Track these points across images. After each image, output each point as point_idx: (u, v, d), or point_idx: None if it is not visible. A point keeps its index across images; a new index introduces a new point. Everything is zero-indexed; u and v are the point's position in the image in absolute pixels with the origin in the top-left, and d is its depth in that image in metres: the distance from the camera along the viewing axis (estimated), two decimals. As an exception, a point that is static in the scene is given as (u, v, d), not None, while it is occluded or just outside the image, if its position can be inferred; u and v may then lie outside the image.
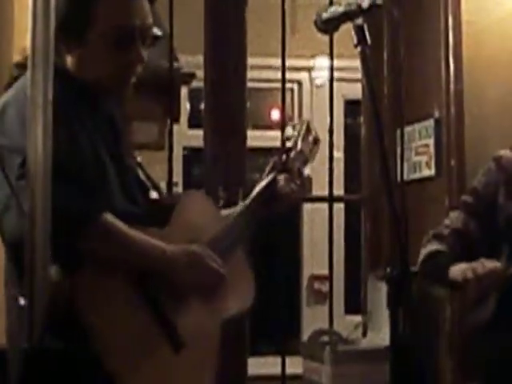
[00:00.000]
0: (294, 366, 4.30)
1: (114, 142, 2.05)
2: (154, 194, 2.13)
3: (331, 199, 4.11)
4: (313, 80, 6.15)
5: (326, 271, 4.47)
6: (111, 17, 1.98)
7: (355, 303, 5.31)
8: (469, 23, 4.01)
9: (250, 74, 3.93)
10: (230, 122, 3.82)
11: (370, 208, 4.80)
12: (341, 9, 1.99)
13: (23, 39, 1.46)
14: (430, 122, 4.14)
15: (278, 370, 3.90)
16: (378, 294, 4.37)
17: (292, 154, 2.36)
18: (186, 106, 5.88)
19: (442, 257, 2.76)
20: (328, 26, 2.03)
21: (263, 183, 2.30)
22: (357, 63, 1.99)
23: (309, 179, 2.43)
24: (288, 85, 4.64)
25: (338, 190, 5.67)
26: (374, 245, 4.74)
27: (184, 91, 5.50)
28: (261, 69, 5.38)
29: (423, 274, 2.81)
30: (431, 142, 4.13)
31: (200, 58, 3.91)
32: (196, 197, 2.24)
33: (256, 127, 5.78)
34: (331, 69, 4.01)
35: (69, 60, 2.01)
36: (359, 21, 1.95)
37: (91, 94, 2.02)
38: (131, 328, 1.88)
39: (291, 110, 6.09)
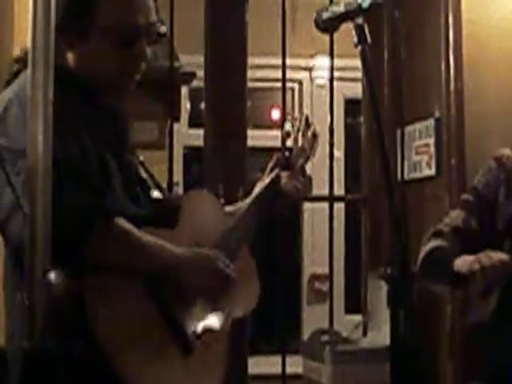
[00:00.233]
0: (294, 365, 4.30)
1: (116, 140, 2.02)
2: (155, 193, 2.12)
3: (331, 199, 4.11)
4: (313, 79, 6.15)
5: (326, 270, 4.48)
6: (116, 13, 1.95)
7: (355, 303, 5.31)
8: (469, 22, 4.01)
9: (250, 74, 3.93)
10: (231, 121, 3.82)
11: (371, 207, 4.80)
12: (341, 8, 1.98)
13: (24, 38, 1.46)
14: (431, 122, 4.13)
15: (278, 370, 3.90)
16: (379, 293, 4.37)
17: (294, 151, 2.34)
18: (186, 106, 5.87)
19: (443, 252, 2.75)
20: (328, 26, 2.03)
21: (267, 181, 2.29)
22: (357, 63, 1.98)
23: (309, 178, 2.42)
24: (288, 84, 4.64)
25: (339, 190, 5.66)
26: (374, 244, 4.74)
27: (184, 90, 5.49)
28: (261, 68, 5.38)
29: (424, 271, 2.79)
30: (431, 141, 4.13)
31: (200, 58, 3.91)
32: (203, 196, 2.22)
33: (256, 127, 5.78)
34: (331, 68, 4.01)
35: (69, 57, 1.97)
36: (359, 20, 1.95)
37: (92, 91, 1.99)
38: (141, 330, 1.85)
39: (292, 109, 6.09)
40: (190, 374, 1.94)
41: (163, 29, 2.11)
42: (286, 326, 4.17)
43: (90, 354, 1.77)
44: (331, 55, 3.95)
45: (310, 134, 2.39)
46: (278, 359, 3.92)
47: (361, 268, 4.99)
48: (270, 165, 2.35)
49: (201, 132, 3.97)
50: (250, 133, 3.98)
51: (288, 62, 3.91)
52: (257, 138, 5.19)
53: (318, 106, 5.97)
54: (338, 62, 4.01)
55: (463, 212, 2.81)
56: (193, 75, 4.41)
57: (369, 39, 1.93)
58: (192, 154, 5.97)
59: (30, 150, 1.32)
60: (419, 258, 2.80)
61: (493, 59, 4.00)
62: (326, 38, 3.78)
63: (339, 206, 5.60)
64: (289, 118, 2.47)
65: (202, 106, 4.03)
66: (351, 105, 6.12)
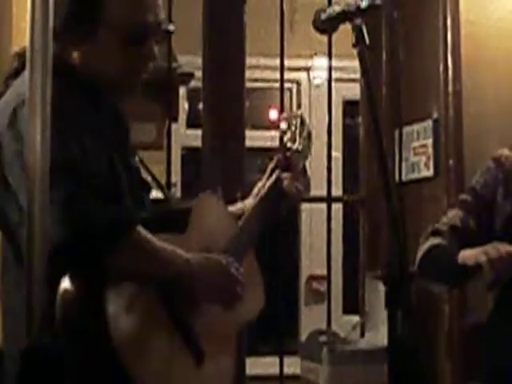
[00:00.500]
0: (292, 366, 4.30)
1: (119, 141, 2.01)
2: (154, 193, 2.11)
3: (329, 199, 4.11)
4: (311, 80, 6.15)
5: (324, 271, 4.48)
6: (125, 11, 1.92)
7: (353, 303, 5.31)
8: (467, 23, 4.01)
9: (248, 74, 3.93)
10: (229, 121, 3.82)
11: (369, 208, 4.80)
12: (339, 9, 1.99)
13: (22, 39, 1.46)
14: (429, 123, 4.14)
15: (275, 370, 3.90)
16: (376, 294, 4.37)
17: (292, 151, 2.33)
18: (184, 106, 5.87)
19: (442, 250, 2.73)
20: (327, 26, 2.03)
21: (269, 182, 2.28)
22: (355, 63, 1.98)
23: (307, 179, 2.41)
24: (286, 85, 4.64)
25: (337, 191, 5.67)
26: (372, 245, 4.74)
27: (182, 91, 5.49)
28: (259, 69, 5.38)
29: (422, 269, 2.78)
30: (430, 142, 4.13)
31: (198, 58, 3.91)
32: (213, 200, 2.21)
33: (254, 127, 5.78)
34: (330, 69, 4.01)
35: (75, 56, 1.94)
36: (358, 21, 1.95)
37: (96, 90, 1.96)
38: (152, 338, 1.84)
39: (290, 110, 6.08)
40: (202, 382, 1.94)
41: (171, 27, 2.08)
42: (283, 327, 4.17)
43: (101, 360, 1.77)
44: (329, 56, 3.95)
45: (305, 133, 2.38)
46: (275, 360, 3.92)
47: (359, 269, 4.99)
48: (271, 166, 2.34)
49: (199, 132, 3.97)
50: (248, 133, 3.98)
51: (286, 62, 3.91)
52: (255, 138, 5.18)
53: (316, 106, 5.97)
54: (336, 63, 4.01)
55: (461, 212, 2.81)
56: (191, 75, 4.41)
57: (367, 40, 1.93)
58: (190, 155, 5.96)
59: (29, 150, 1.32)
60: (417, 257, 2.79)
61: (491, 59, 4.01)
62: (325, 38, 3.78)
63: (337, 207, 5.60)
64: (283, 116, 2.45)
65: (200, 106, 4.04)
66: (349, 105, 6.12)
